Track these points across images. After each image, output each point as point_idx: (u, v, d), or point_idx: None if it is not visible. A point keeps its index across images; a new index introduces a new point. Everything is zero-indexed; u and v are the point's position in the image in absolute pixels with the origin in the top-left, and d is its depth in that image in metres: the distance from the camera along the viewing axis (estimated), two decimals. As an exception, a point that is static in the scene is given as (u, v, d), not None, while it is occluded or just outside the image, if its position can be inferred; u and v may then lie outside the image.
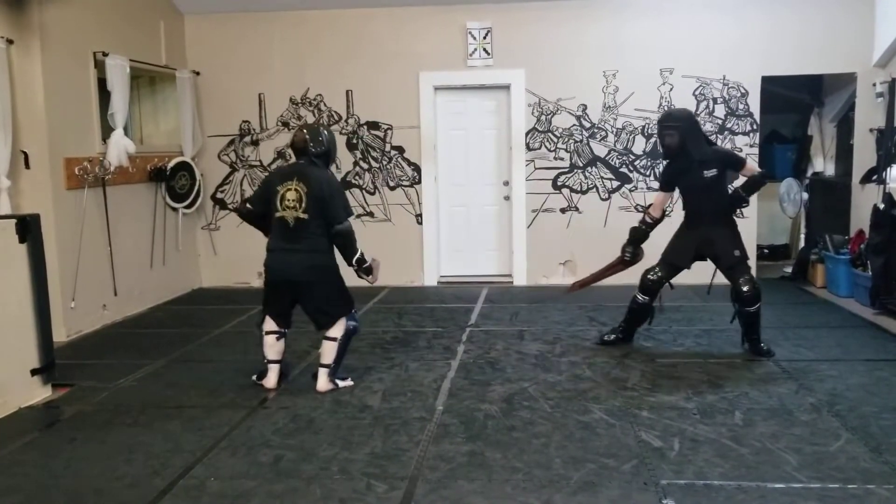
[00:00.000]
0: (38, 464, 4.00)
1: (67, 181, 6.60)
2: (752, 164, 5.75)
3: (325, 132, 5.10)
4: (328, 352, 5.03)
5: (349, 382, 5.13)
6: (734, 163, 5.67)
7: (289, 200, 4.88)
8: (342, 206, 4.98)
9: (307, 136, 4.99)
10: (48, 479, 3.81)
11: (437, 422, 4.42)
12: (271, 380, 5.13)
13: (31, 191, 6.29)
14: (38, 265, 5.00)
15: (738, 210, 5.80)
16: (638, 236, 5.94)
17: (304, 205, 4.86)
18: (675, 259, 5.73)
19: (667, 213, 5.96)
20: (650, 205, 6.07)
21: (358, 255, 5.06)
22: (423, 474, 3.73)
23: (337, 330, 5.06)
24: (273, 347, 5.18)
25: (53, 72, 6.46)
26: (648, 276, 5.75)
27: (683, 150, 5.52)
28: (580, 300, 7.43)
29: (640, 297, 5.79)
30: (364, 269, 5.11)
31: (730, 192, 5.74)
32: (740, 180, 5.81)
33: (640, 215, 8.26)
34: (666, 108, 8.25)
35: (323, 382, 5.01)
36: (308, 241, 4.92)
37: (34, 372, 4.97)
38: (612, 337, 5.99)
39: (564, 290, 6.67)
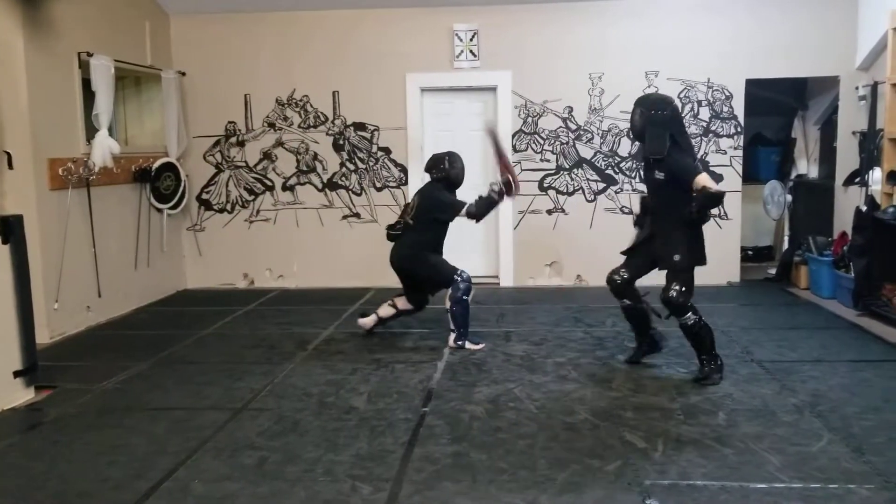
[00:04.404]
0: (21, 466, 3.98)
1: (51, 182, 6.57)
2: (702, 180, 4.92)
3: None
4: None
5: (478, 346, 6.08)
6: (681, 179, 5.02)
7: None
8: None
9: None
10: (31, 482, 3.78)
11: (423, 423, 4.43)
12: (367, 322, 6.52)
13: (14, 191, 6.25)
14: (21, 266, 4.97)
15: (697, 220, 5.03)
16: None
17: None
18: (629, 252, 5.44)
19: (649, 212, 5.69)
20: None
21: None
22: (408, 475, 3.73)
23: (447, 302, 6.10)
24: (382, 308, 6.54)
25: (37, 72, 6.42)
26: (614, 278, 5.41)
27: (643, 138, 5.17)
28: (566, 301, 7.45)
29: (619, 302, 5.53)
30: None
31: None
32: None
33: (627, 216, 8.37)
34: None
35: (450, 340, 6.13)
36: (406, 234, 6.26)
37: (17, 374, 4.94)
38: (639, 355, 5.61)
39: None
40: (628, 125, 8.15)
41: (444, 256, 6.30)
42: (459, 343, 6.06)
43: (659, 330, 5.61)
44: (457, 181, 6.28)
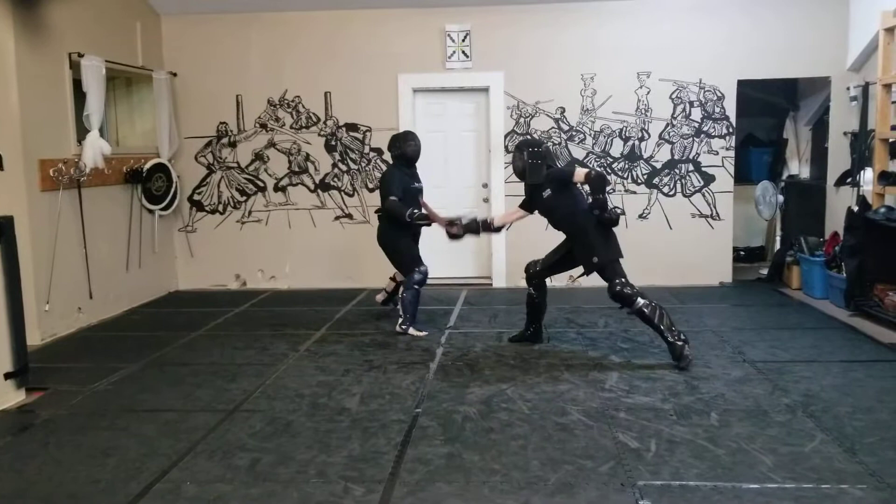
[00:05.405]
0: (12, 468, 3.95)
1: (42, 183, 6.54)
2: (581, 171, 5.64)
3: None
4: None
5: (421, 333, 6.50)
6: (561, 179, 5.73)
7: None
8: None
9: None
10: (22, 484, 3.76)
11: (416, 424, 4.42)
12: (379, 297, 7.33)
13: (4, 192, 6.20)
14: (11, 267, 4.94)
15: (605, 215, 5.53)
16: (472, 229, 6.14)
17: None
18: (549, 255, 6.00)
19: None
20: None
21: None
22: (400, 477, 3.72)
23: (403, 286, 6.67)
24: (388, 284, 7.30)
25: (28, 73, 6.39)
26: (530, 265, 6.07)
27: (524, 175, 5.86)
28: (559, 303, 7.44)
29: (530, 291, 6.10)
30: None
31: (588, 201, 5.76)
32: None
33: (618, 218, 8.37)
34: (643, 110, 8.32)
35: (397, 325, 6.59)
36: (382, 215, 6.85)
37: (7, 375, 4.91)
38: (521, 337, 6.22)
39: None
40: (620, 126, 8.33)
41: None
42: (404, 328, 6.50)
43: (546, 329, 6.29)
44: (414, 157, 6.79)
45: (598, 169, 6.09)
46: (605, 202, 5.57)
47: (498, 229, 6.19)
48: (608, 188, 6.06)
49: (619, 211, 5.76)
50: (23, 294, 5.09)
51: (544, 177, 5.76)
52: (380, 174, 8.59)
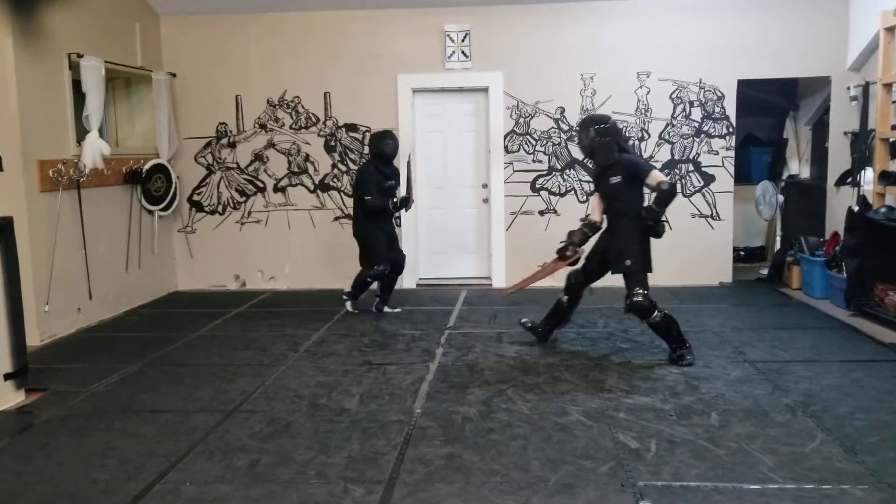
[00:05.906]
0: (11, 469, 3.95)
1: (41, 183, 6.53)
2: (657, 176, 5.48)
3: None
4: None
5: (353, 311, 7.35)
6: (636, 173, 5.54)
7: None
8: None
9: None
10: (21, 486, 3.76)
11: (415, 425, 4.41)
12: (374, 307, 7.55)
13: (4, 193, 6.19)
14: (11, 268, 4.93)
15: (656, 227, 5.48)
16: (578, 239, 5.88)
17: None
18: (586, 261, 5.89)
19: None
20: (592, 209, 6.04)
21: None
22: (400, 477, 3.71)
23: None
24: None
25: (27, 73, 6.39)
26: (573, 275, 5.95)
27: (593, 153, 5.71)
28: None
29: (562, 294, 6.02)
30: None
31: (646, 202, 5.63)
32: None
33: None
34: (642, 110, 8.33)
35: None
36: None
37: (7, 376, 4.90)
38: (530, 324, 6.20)
39: (503, 295, 7.05)
40: (620, 126, 8.27)
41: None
42: (344, 298, 7.38)
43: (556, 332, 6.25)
44: (391, 155, 7.16)
45: (672, 181, 6.03)
46: (661, 215, 5.46)
47: (599, 225, 5.84)
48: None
49: (668, 227, 5.60)
50: (22, 295, 5.08)
51: (618, 160, 5.56)
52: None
